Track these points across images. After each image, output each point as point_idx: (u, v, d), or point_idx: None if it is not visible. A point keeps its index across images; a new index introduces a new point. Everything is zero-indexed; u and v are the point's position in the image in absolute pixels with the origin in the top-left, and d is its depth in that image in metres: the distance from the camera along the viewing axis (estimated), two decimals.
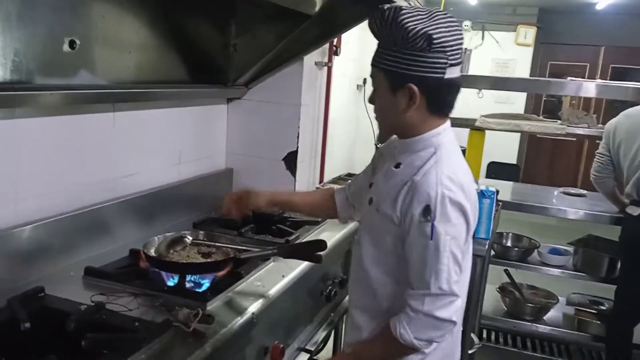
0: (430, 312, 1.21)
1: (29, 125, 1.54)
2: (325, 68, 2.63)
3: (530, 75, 6.59)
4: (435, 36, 1.16)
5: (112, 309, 1.36)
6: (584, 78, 6.46)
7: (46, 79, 1.55)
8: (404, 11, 1.18)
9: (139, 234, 1.87)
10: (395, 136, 1.39)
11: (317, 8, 2.08)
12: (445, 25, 1.19)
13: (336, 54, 2.65)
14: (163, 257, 1.60)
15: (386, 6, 1.20)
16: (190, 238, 1.69)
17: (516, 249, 3.23)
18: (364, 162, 5.32)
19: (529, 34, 6.55)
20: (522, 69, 6.68)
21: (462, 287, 1.29)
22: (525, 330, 3.24)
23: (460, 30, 1.24)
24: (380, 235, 1.32)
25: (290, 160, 2.46)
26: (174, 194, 2.12)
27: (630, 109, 2.94)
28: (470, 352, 2.63)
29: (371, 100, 1.32)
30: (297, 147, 2.45)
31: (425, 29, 1.16)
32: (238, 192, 1.64)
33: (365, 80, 4.66)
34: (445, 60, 1.19)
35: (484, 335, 3.30)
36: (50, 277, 1.54)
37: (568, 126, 3.13)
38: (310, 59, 2.45)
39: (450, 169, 1.24)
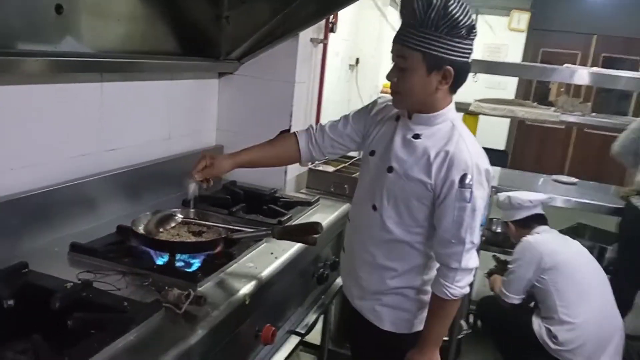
0: (467, 265, 1.42)
1: (10, 93, 1.45)
2: (321, 45, 2.56)
3: (522, 61, 6.56)
4: (474, 24, 1.35)
5: (99, 288, 1.31)
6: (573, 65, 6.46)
7: (30, 45, 1.47)
8: (451, 1, 1.30)
9: (126, 210, 1.81)
10: (387, 103, 1.58)
11: None
12: (472, 15, 1.36)
13: (332, 30, 2.57)
14: (153, 235, 1.55)
15: None
16: (181, 216, 1.64)
17: (504, 235, 3.22)
18: None
19: (522, 19, 6.51)
20: (514, 54, 6.65)
21: None
22: None
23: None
24: (406, 199, 1.46)
25: None
26: (163, 170, 2.05)
27: None
28: (459, 337, 2.63)
29: (392, 77, 1.42)
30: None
31: (469, 21, 1.32)
32: (202, 160, 1.61)
33: (357, 60, 4.59)
34: (472, 46, 1.38)
35: (470, 320, 3.30)
36: (34, 253, 1.47)
37: (562, 114, 3.11)
38: (306, 35, 2.37)
39: (473, 141, 1.44)
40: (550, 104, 4.29)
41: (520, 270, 2.61)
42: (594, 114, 3.23)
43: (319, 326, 2.19)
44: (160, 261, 1.51)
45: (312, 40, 2.45)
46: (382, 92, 5.45)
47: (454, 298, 1.45)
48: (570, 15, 6.66)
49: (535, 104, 3.46)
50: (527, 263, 2.58)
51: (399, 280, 1.54)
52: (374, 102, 1.67)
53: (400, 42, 1.37)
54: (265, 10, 2.18)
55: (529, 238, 2.66)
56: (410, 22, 1.34)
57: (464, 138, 1.42)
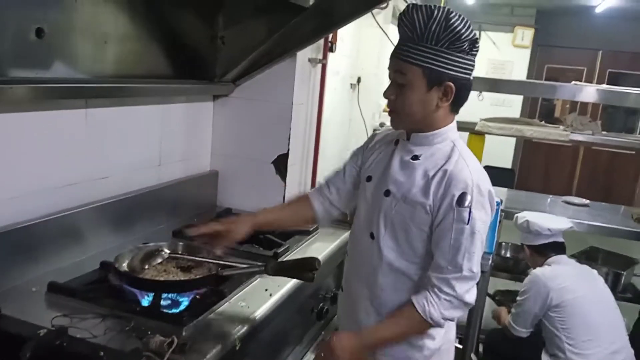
0: (461, 296, 1.29)
1: None
2: (320, 65, 2.47)
3: (527, 78, 6.48)
4: (477, 39, 1.29)
5: (75, 335, 1.20)
6: (581, 82, 6.37)
7: (8, 71, 1.38)
8: (453, 14, 1.24)
9: (113, 243, 1.70)
10: (387, 129, 1.50)
11: (312, 0, 1.93)
12: (474, 29, 1.29)
13: (331, 50, 2.48)
14: (137, 272, 1.44)
15: (433, 5, 1.25)
16: (168, 251, 1.52)
17: (514, 260, 3.10)
18: None
19: (526, 35, 6.44)
20: (518, 71, 6.56)
21: None
22: None
23: None
24: (405, 224, 1.35)
25: (280, 164, 2.29)
26: (153, 199, 1.94)
27: None
28: None
29: (389, 95, 1.35)
30: (288, 150, 2.28)
31: (471, 34, 1.26)
32: (214, 227, 1.46)
33: (359, 79, 4.50)
34: (474, 63, 1.31)
35: (480, 350, 3.15)
36: (10, 293, 1.38)
37: (572, 132, 3.00)
38: (304, 55, 2.28)
39: (474, 162, 1.35)
40: (556, 121, 4.18)
41: (528, 304, 2.48)
42: (604, 132, 3.12)
43: None
44: (145, 301, 1.40)
45: (310, 60, 2.35)
46: (384, 110, 5.36)
47: (429, 322, 1.30)
48: (575, 31, 6.58)
49: (542, 122, 3.35)
50: (534, 297, 2.45)
51: None
52: (371, 137, 1.59)
53: (399, 57, 1.30)
54: (261, 29, 2.10)
55: (537, 271, 2.53)
56: (409, 37, 1.28)
57: (464, 157, 1.33)
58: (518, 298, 2.53)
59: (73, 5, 1.54)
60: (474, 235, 1.27)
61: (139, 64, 1.89)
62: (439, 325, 1.32)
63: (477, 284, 1.34)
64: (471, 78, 1.32)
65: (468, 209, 1.26)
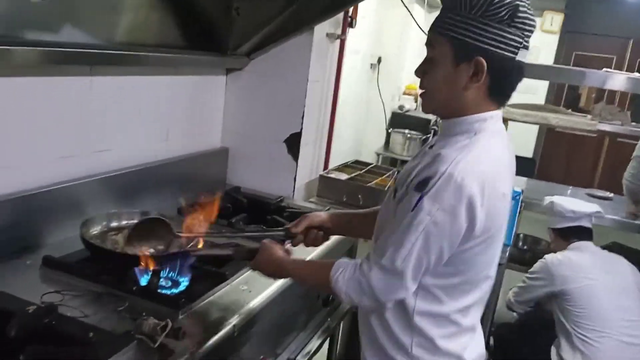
0: (371, 284, 1.09)
1: None
2: (338, 41, 2.36)
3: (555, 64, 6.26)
4: (520, 8, 1.05)
5: (65, 313, 1.14)
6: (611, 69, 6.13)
7: (9, 33, 1.31)
8: None
9: None
10: (407, 165, 1.23)
11: None
12: (527, 2, 1.08)
13: (351, 25, 2.37)
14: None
15: None
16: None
17: (531, 253, 2.99)
18: (373, 148, 5.05)
19: (555, 20, 6.20)
20: (545, 57, 6.34)
21: (457, 292, 1.14)
22: None
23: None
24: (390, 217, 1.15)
25: (293, 143, 2.21)
26: (159, 174, 1.88)
27: None
28: None
29: (420, 72, 1.16)
30: (301, 129, 2.19)
31: (510, 0, 1.04)
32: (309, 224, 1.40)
33: (380, 60, 4.38)
34: (520, 39, 1.06)
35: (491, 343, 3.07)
36: (4, 267, 1.33)
37: (600, 122, 2.85)
38: (322, 29, 2.17)
39: (478, 155, 1.07)
40: (581, 111, 4.02)
41: (531, 284, 2.49)
42: (633, 123, 2.97)
43: (324, 350, 2.00)
44: (143, 280, 1.34)
45: (328, 35, 2.25)
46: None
47: (332, 287, 1.13)
48: (605, 18, 6.32)
49: (569, 110, 3.20)
50: (537, 280, 2.45)
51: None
52: None
53: (431, 28, 1.13)
54: (277, 1, 2.00)
55: (548, 257, 2.49)
56: (445, 5, 1.11)
57: (469, 147, 1.08)
58: (525, 276, 2.51)
59: None
60: (411, 226, 1.04)
61: (149, 33, 1.81)
62: (341, 298, 1.14)
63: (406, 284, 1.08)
64: (515, 57, 1.07)
65: (419, 195, 1.03)
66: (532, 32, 1.08)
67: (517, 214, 2.11)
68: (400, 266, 1.06)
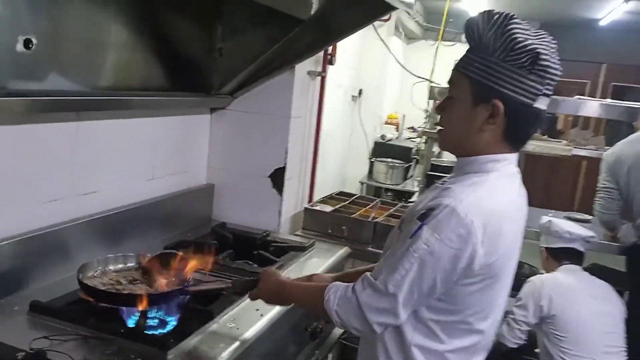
0: (362, 303, 1.11)
1: None
2: (319, 78, 2.44)
3: None
4: (542, 56, 1.06)
5: (53, 359, 1.15)
6: (584, 95, 6.32)
7: None
8: (516, 20, 1.07)
9: None
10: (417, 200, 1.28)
11: (311, 12, 1.89)
12: (552, 49, 1.09)
13: (331, 63, 2.45)
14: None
15: (495, 10, 1.09)
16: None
17: (515, 277, 3.03)
18: (357, 177, 5.09)
19: None
20: None
21: (454, 330, 1.14)
22: None
23: (560, 62, 1.11)
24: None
25: (277, 178, 2.25)
26: (146, 213, 1.90)
27: (629, 137, 2.83)
28: None
29: (441, 110, 1.19)
30: (285, 164, 2.24)
31: (534, 46, 1.05)
32: None
33: (360, 92, 4.47)
34: (540, 87, 1.08)
35: None
36: None
37: (575, 147, 2.95)
38: (303, 67, 2.25)
39: (485, 194, 1.09)
40: (559, 134, 4.13)
41: (520, 311, 2.46)
42: (607, 147, 3.07)
43: None
44: (130, 322, 1.35)
45: (309, 73, 2.32)
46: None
47: (324, 306, 1.15)
48: (579, 44, 6.54)
49: (545, 136, 3.30)
50: (527, 304, 2.44)
51: None
52: None
53: (454, 68, 1.15)
54: (259, 41, 2.07)
55: (535, 278, 2.52)
56: (469, 46, 1.14)
57: (478, 185, 1.10)
58: (513, 307, 2.50)
59: (64, 15, 1.51)
60: (408, 252, 1.06)
61: (134, 76, 1.85)
62: (331, 317, 1.15)
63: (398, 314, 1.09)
64: (534, 105, 1.08)
65: (419, 224, 1.06)
66: (554, 80, 1.09)
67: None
68: (392, 290, 1.07)
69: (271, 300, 1.34)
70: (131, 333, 1.29)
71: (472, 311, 1.13)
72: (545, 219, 2.65)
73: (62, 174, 1.60)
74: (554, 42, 1.10)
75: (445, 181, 1.18)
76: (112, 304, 1.34)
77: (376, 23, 3.27)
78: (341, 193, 2.76)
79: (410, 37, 6.06)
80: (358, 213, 2.42)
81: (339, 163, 4.35)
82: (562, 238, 2.53)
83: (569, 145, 2.97)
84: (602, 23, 5.81)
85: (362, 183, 4.67)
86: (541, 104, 1.09)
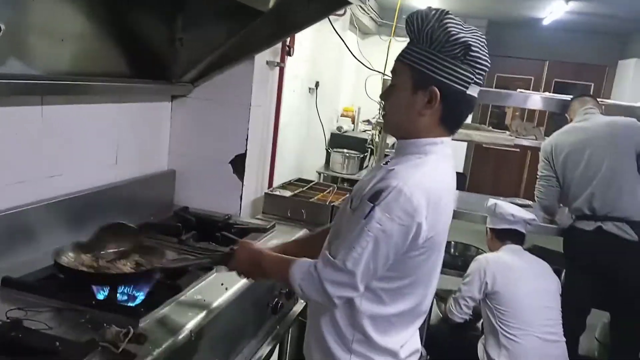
0: (323, 279, 1.21)
1: None
2: (277, 68, 2.53)
3: None
4: (473, 48, 1.19)
5: (30, 327, 1.21)
6: (529, 90, 6.66)
7: None
8: (450, 15, 1.20)
9: (65, 241, 1.69)
10: (363, 179, 1.37)
11: (270, 4, 1.98)
12: (481, 42, 1.22)
13: (289, 54, 2.55)
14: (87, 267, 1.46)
15: (431, 7, 1.21)
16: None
17: (463, 258, 3.24)
18: (314, 168, 5.21)
19: None
20: None
21: (398, 295, 1.28)
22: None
23: (488, 56, 1.24)
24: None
25: (238, 164, 2.34)
26: (108, 197, 1.95)
27: (564, 127, 3.04)
28: None
29: (384, 96, 1.32)
30: (246, 150, 2.33)
31: (466, 38, 1.18)
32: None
33: (317, 84, 4.58)
34: (471, 75, 1.21)
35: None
36: None
37: (516, 137, 3.16)
38: (262, 58, 2.34)
39: (427, 174, 1.21)
40: (507, 128, 4.38)
41: (466, 287, 2.64)
42: (546, 137, 3.29)
43: (275, 356, 2.11)
44: (100, 295, 1.42)
45: (268, 63, 2.41)
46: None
47: (289, 280, 1.25)
48: (523, 42, 6.89)
49: (490, 127, 3.52)
50: (472, 280, 2.62)
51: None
52: None
53: (397, 58, 1.28)
54: (220, 32, 2.14)
55: (480, 257, 2.71)
56: (410, 39, 1.26)
57: (420, 166, 1.22)
58: (461, 283, 2.68)
59: (30, 2, 1.55)
60: (363, 232, 1.17)
61: (97, 63, 1.89)
62: (295, 291, 1.26)
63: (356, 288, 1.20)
64: (467, 92, 1.21)
65: (372, 205, 1.17)
66: (484, 70, 1.22)
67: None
68: (351, 267, 1.18)
69: (248, 270, 1.41)
70: (103, 304, 1.36)
71: (415, 277, 1.28)
72: (491, 201, 2.83)
73: (28, 156, 1.64)
74: (483, 37, 1.23)
75: (389, 162, 1.31)
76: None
77: (332, 18, 3.37)
78: (299, 179, 2.87)
79: (364, 32, 6.21)
80: (316, 198, 2.53)
81: (297, 153, 4.45)
82: (506, 220, 2.72)
83: (512, 136, 3.18)
84: (545, 22, 6.13)
85: (319, 173, 4.78)
86: (473, 91, 1.23)
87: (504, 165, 7.30)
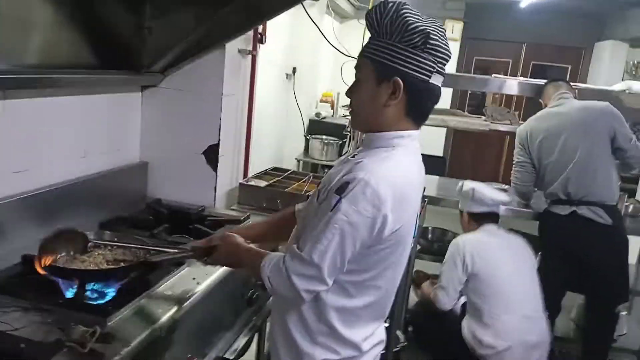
0: (291, 273, 1.20)
1: None
2: (250, 56, 2.49)
3: (457, 70, 6.73)
4: (432, 36, 1.19)
5: None
6: (507, 74, 6.69)
7: None
8: (407, 7, 1.21)
9: (35, 237, 1.64)
10: (336, 166, 1.36)
11: None
12: (440, 32, 1.22)
13: (261, 42, 2.51)
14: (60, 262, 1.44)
15: (389, 0, 1.22)
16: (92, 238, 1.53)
17: (439, 243, 3.26)
18: (293, 155, 5.20)
19: (456, 28, 6.67)
20: (449, 63, 6.80)
21: (363, 288, 1.29)
22: None
23: (448, 45, 1.25)
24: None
25: (211, 154, 2.31)
26: (78, 191, 1.91)
27: (538, 113, 3.07)
28: (395, 350, 2.62)
29: (350, 92, 1.32)
30: (219, 140, 2.30)
31: (424, 27, 1.19)
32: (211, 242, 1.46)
33: (294, 70, 4.54)
34: (433, 65, 1.21)
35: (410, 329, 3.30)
36: None
37: (492, 122, 3.18)
38: (233, 46, 2.30)
39: (393, 167, 1.22)
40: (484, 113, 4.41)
41: (448, 272, 2.68)
42: (521, 122, 3.32)
43: (253, 348, 2.11)
44: (69, 293, 1.40)
45: (240, 51, 2.37)
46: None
47: (259, 273, 1.26)
48: (501, 25, 6.90)
49: (466, 113, 3.53)
50: (453, 263, 2.66)
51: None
52: None
53: (359, 54, 1.29)
54: (189, 20, 2.09)
55: (457, 239, 2.76)
56: (371, 33, 1.27)
57: (386, 160, 1.22)
58: (441, 269, 2.70)
59: None
60: (329, 224, 1.17)
61: (62, 54, 1.84)
62: (264, 283, 1.26)
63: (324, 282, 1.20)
64: (429, 80, 1.21)
65: (338, 198, 1.17)
66: (445, 59, 1.23)
67: (420, 210, 2.33)
68: (317, 260, 1.18)
69: (230, 263, 1.43)
70: (71, 303, 1.34)
71: (380, 270, 1.29)
72: (467, 186, 2.84)
73: None
74: (442, 27, 1.24)
75: (356, 154, 1.30)
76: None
77: (307, 3, 3.33)
78: (275, 169, 2.85)
79: (343, 16, 6.17)
80: (292, 187, 2.52)
81: (276, 140, 4.43)
82: (484, 204, 2.75)
83: (487, 121, 3.19)
84: (522, 5, 6.13)
85: (298, 160, 4.77)
86: (436, 80, 1.23)
87: (483, 150, 7.36)
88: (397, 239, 1.25)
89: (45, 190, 1.76)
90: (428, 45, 1.19)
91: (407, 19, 1.19)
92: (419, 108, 1.27)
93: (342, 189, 1.18)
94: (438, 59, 1.22)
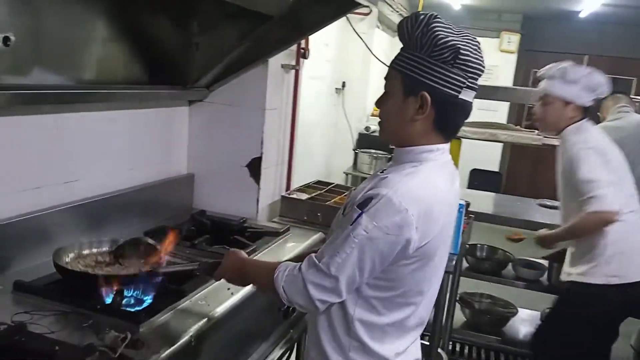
0: (306, 281, 1.19)
1: None
2: (293, 71, 2.53)
3: (514, 83, 6.55)
4: (462, 51, 1.16)
5: (33, 331, 1.24)
6: None
7: None
8: (438, 19, 1.18)
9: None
10: (359, 186, 1.34)
11: (279, 8, 1.98)
12: (473, 46, 1.19)
13: (304, 57, 2.54)
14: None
15: (421, 12, 1.20)
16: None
17: (489, 261, 3.15)
18: (341, 169, 5.22)
19: (512, 40, 6.51)
20: (505, 76, 6.63)
21: (391, 305, 1.25)
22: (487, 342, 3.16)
23: (483, 59, 1.22)
24: None
25: (255, 167, 2.35)
26: (126, 201, 1.99)
27: (597, 126, 2.82)
28: None
29: (379, 103, 1.30)
30: (262, 153, 2.34)
31: (455, 42, 1.16)
32: None
33: (344, 84, 4.57)
34: (464, 80, 1.18)
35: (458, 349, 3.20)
36: None
37: (545, 137, 3.06)
38: (277, 61, 2.34)
39: (419, 183, 1.19)
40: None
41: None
42: None
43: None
44: (108, 299, 1.45)
45: (283, 66, 2.41)
46: (371, 115, 5.42)
47: (273, 282, 1.23)
48: (560, 36, 6.67)
49: (518, 127, 3.41)
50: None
51: None
52: None
53: (389, 64, 1.27)
54: (233, 36, 2.14)
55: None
56: (402, 44, 1.25)
57: (413, 175, 1.20)
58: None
59: (42, 11, 1.59)
60: (348, 238, 1.15)
61: (113, 70, 1.94)
62: (279, 293, 1.23)
63: (340, 294, 1.19)
64: (460, 96, 1.18)
65: (359, 212, 1.15)
66: (477, 73, 1.19)
67: (462, 225, 2.26)
68: (334, 272, 1.17)
69: (233, 278, 1.42)
70: (107, 309, 1.38)
71: (408, 287, 1.25)
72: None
73: (45, 162, 1.69)
74: (475, 40, 1.20)
75: (384, 170, 1.29)
76: (86, 284, 1.43)
77: (354, 18, 3.35)
78: (319, 182, 2.85)
79: (394, 30, 6.14)
80: (333, 200, 2.51)
81: (324, 154, 4.45)
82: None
83: (539, 135, 3.07)
84: (581, 15, 5.91)
85: (346, 174, 4.77)
86: (466, 95, 1.20)
87: (542, 164, 7.07)
88: (424, 254, 1.21)
89: (92, 199, 1.85)
90: (458, 60, 1.16)
91: (438, 33, 1.16)
92: (447, 123, 1.24)
93: (364, 204, 1.17)
94: (469, 74, 1.19)
